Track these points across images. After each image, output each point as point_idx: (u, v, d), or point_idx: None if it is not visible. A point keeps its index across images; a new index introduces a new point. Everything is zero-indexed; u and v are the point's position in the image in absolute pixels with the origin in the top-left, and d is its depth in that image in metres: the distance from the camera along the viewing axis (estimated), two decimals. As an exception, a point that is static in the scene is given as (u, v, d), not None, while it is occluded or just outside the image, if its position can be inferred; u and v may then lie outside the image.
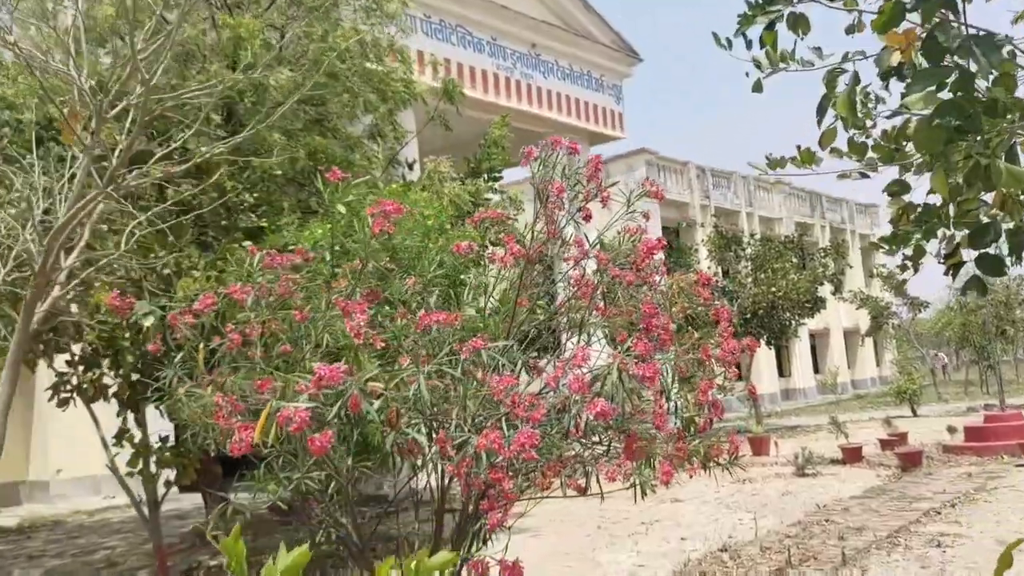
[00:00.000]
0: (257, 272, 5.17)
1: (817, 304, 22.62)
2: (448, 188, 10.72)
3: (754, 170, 3.30)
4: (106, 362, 7.44)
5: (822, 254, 23.66)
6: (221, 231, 8.03)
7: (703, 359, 4.62)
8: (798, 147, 3.22)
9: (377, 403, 4.00)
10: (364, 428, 4.11)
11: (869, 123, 3.65)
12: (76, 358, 7.86)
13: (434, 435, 4.26)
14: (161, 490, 7.95)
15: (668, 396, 5.06)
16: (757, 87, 3.59)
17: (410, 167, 13.96)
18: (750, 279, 22.84)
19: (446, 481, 4.79)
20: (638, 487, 4.18)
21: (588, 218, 4.91)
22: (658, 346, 4.97)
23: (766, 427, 22.27)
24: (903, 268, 3.49)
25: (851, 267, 32.15)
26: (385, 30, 12.69)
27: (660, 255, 5.46)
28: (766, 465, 15.48)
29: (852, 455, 15.04)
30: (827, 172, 3.16)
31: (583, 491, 4.13)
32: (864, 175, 3.18)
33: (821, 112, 3.42)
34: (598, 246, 4.76)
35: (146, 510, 7.96)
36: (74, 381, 8.00)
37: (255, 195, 8.66)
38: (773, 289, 21.72)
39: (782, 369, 38.48)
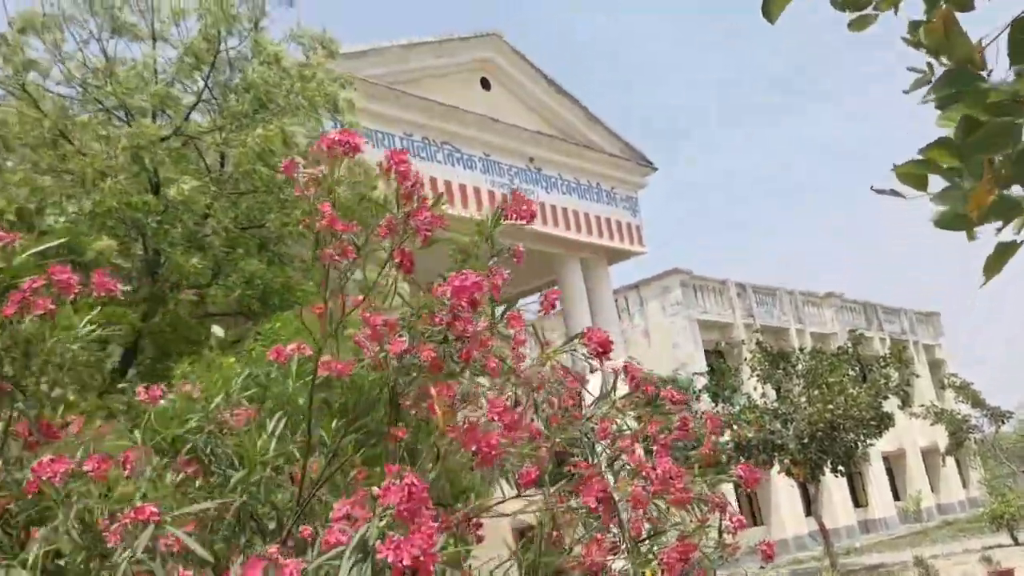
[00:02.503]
0: None
1: (884, 421, 19.80)
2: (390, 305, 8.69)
3: None
4: None
5: (882, 363, 20.95)
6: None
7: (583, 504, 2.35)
8: None
9: None
10: None
11: None
12: None
13: None
14: None
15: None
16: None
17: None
18: (803, 397, 20.22)
19: None
20: None
21: (407, 267, 2.81)
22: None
23: (843, 570, 19.15)
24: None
25: (917, 376, 29.09)
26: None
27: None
28: (842, 622, 12.55)
29: (948, 604, 12.09)
30: None
31: None
32: None
33: None
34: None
35: None
36: None
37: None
38: (830, 407, 19.03)
39: (857, 498, 34.81)
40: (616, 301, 31.82)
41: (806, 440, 19.65)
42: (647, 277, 30.35)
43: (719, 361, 29.19)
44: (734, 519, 3.18)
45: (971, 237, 1.65)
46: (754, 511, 30.89)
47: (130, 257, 9.03)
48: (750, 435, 19.56)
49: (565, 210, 18.54)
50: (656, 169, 20.78)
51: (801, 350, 23.37)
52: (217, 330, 6.54)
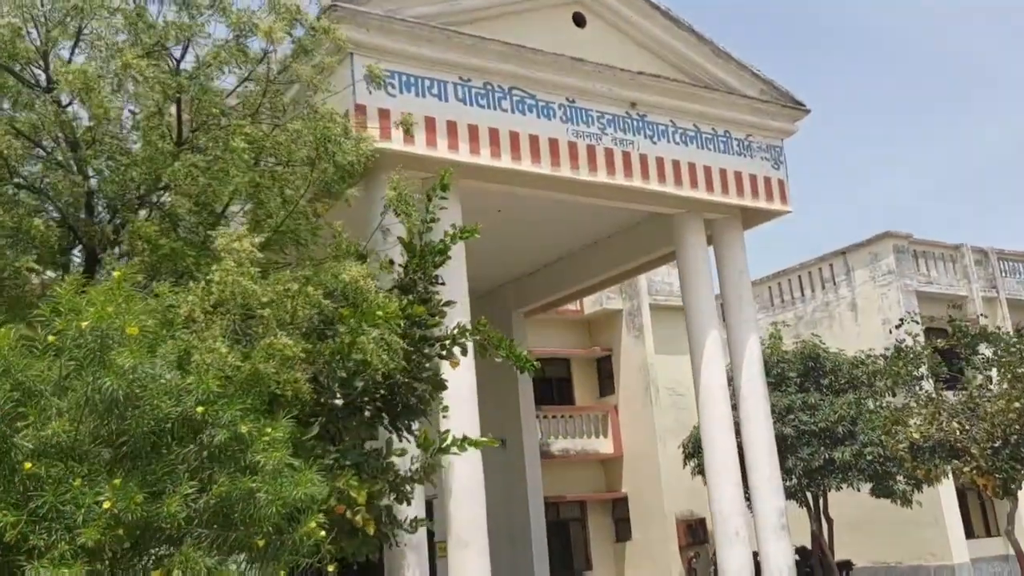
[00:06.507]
0: None
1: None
2: (219, 275, 7.01)
3: None
4: None
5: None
6: None
7: None
8: None
9: None
10: None
11: None
12: None
13: None
14: None
15: None
16: None
17: (363, 258, 10.34)
18: (996, 391, 16.02)
19: None
20: None
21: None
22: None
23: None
24: None
25: None
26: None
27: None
28: None
29: None
30: None
31: None
32: None
33: None
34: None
35: None
36: None
37: None
38: (1016, 405, 14.82)
39: None
40: (820, 269, 27.79)
41: (997, 444, 15.53)
42: (854, 243, 26.11)
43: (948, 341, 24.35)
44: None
45: None
46: (988, 522, 25.77)
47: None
48: (916, 435, 15.79)
49: (677, 163, 15.70)
50: (808, 111, 17.21)
51: (1020, 332, 18.69)
52: None
